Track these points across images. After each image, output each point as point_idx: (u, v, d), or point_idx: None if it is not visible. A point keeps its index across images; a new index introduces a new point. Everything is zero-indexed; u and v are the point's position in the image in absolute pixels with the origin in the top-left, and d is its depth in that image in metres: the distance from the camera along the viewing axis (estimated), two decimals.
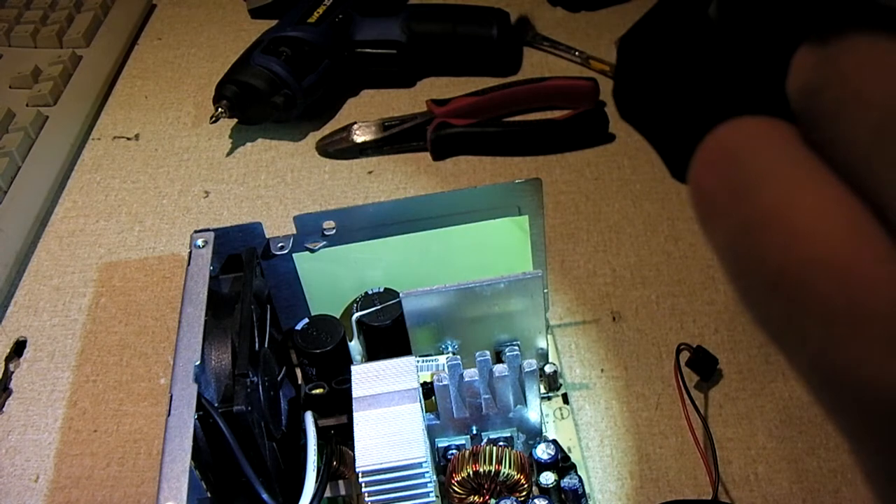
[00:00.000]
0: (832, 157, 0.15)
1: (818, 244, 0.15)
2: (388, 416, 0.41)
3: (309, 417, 0.45)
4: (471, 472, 0.43)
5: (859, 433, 0.15)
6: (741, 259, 0.16)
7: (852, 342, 0.14)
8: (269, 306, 0.47)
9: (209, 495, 0.38)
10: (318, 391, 0.46)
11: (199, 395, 0.38)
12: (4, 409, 0.54)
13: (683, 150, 0.17)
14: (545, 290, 0.50)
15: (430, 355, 0.47)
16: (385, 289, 0.49)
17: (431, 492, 0.41)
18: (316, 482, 0.42)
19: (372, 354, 0.49)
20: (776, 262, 0.15)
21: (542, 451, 0.44)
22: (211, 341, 0.41)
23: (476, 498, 0.43)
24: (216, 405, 0.39)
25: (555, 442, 0.45)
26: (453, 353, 0.47)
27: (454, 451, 0.44)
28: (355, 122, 0.69)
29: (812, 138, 0.16)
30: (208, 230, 0.46)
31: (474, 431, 0.45)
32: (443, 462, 0.45)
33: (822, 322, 0.15)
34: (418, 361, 0.45)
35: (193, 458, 0.36)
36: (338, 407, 0.45)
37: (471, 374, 0.43)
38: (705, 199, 0.17)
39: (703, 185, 0.17)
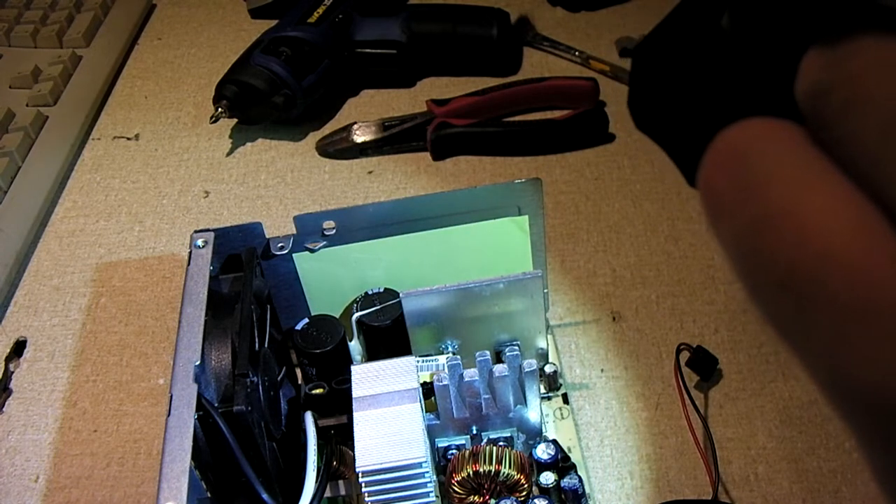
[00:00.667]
0: (840, 157, 0.16)
1: (827, 241, 0.15)
2: (388, 416, 0.41)
3: (309, 417, 0.45)
4: (471, 472, 0.43)
5: (868, 431, 0.15)
6: (750, 257, 0.16)
7: (860, 340, 0.14)
8: (269, 306, 0.47)
9: (209, 495, 0.38)
10: (318, 391, 0.46)
11: (199, 395, 0.38)
12: (4, 409, 0.54)
13: (695, 153, 0.17)
14: (545, 290, 0.50)
15: (430, 355, 0.47)
16: (385, 289, 0.49)
17: (431, 492, 0.41)
18: (316, 482, 0.42)
19: (372, 354, 0.49)
20: (785, 260, 0.15)
21: (542, 451, 0.44)
22: (211, 341, 0.41)
23: (476, 498, 0.43)
24: (216, 405, 0.39)
25: (555, 442, 0.45)
26: (453, 353, 0.47)
27: (454, 451, 0.44)
28: (355, 122, 0.69)
29: (820, 138, 0.16)
30: (208, 230, 0.46)
31: (474, 431, 0.45)
32: (443, 462, 0.45)
33: (831, 320, 0.15)
34: (418, 361, 0.45)
35: (193, 458, 0.36)
36: (338, 407, 0.45)
37: (471, 374, 0.43)
38: (715, 198, 0.17)
39: (712, 184, 0.17)
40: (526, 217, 0.48)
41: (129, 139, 0.73)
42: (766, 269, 0.16)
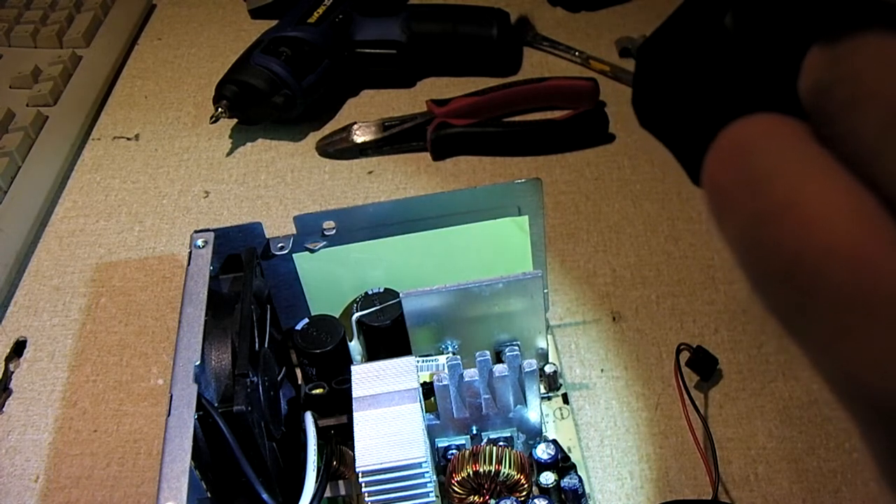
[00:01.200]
0: (843, 153, 0.16)
1: (829, 233, 0.15)
2: (388, 416, 0.41)
3: (309, 417, 0.45)
4: (471, 472, 0.43)
5: (871, 425, 0.15)
6: (754, 251, 0.16)
7: (861, 331, 0.14)
8: (269, 306, 0.47)
9: (209, 495, 0.38)
10: (318, 391, 0.46)
11: (199, 395, 0.38)
12: (4, 409, 0.54)
13: (699, 150, 0.17)
14: (545, 290, 0.50)
15: (430, 355, 0.47)
16: (385, 289, 0.49)
17: (431, 492, 0.41)
18: (316, 482, 0.42)
19: (372, 354, 0.49)
20: (788, 252, 0.15)
21: (542, 451, 0.44)
22: (211, 341, 0.41)
23: (476, 498, 0.43)
24: (216, 405, 0.39)
25: (555, 442, 0.45)
26: (453, 353, 0.47)
27: (454, 451, 0.44)
28: (355, 122, 0.69)
29: (823, 135, 0.16)
30: (208, 230, 0.46)
31: (474, 431, 0.45)
32: (443, 462, 0.45)
33: (833, 311, 0.15)
34: (418, 361, 0.45)
35: (193, 458, 0.36)
36: (338, 407, 0.45)
37: (471, 374, 0.43)
38: (719, 193, 0.17)
39: (716, 180, 0.17)
40: (526, 217, 0.48)
41: (129, 139, 0.73)
42: (769, 262, 0.16)
